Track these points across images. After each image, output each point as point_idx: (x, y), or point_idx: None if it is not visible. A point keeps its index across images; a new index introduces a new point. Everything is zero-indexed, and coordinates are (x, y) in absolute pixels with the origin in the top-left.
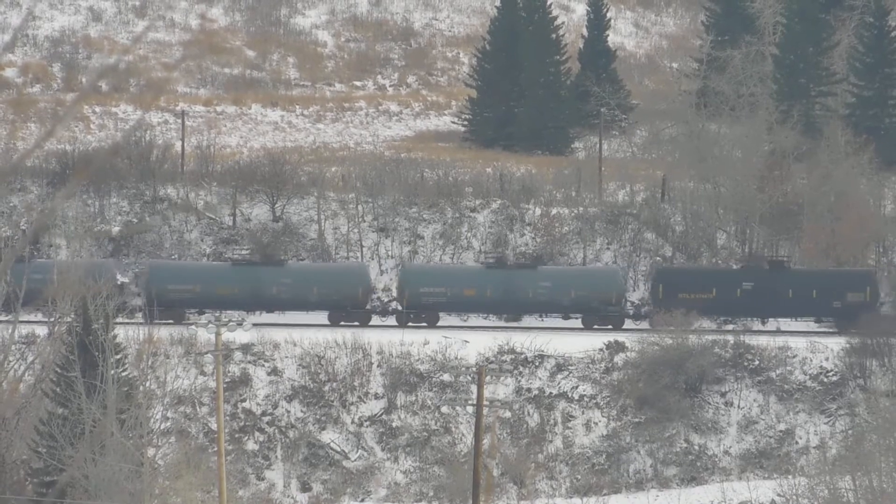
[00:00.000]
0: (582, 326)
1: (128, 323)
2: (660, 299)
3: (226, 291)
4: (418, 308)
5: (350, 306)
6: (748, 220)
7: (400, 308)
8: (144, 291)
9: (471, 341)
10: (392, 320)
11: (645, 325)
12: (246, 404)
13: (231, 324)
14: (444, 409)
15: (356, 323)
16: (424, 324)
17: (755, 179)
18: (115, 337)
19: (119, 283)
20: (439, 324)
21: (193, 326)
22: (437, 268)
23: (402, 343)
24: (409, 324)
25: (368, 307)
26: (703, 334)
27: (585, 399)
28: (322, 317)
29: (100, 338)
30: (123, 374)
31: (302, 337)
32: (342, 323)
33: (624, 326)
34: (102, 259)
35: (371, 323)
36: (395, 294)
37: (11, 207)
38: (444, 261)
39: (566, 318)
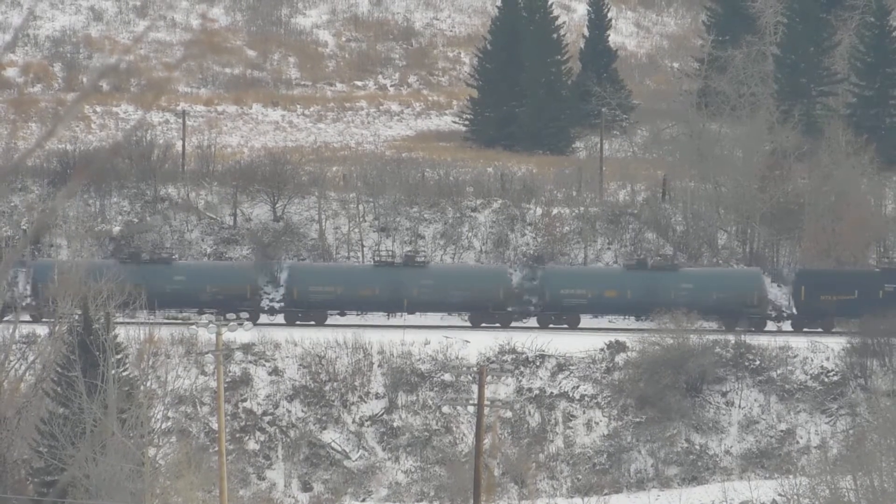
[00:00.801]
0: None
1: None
2: (802, 301)
3: (367, 293)
4: (559, 310)
5: (492, 307)
6: (749, 220)
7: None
8: (286, 293)
9: (471, 341)
10: (533, 321)
11: (787, 326)
12: (247, 404)
13: (231, 324)
14: (445, 408)
15: (497, 325)
16: (565, 325)
17: (756, 179)
18: (115, 336)
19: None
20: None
21: (194, 326)
22: (578, 269)
23: (403, 343)
24: (550, 325)
25: (510, 309)
26: (703, 334)
27: (586, 399)
28: (458, 319)
29: (100, 337)
30: (124, 373)
31: (303, 337)
32: (483, 325)
33: (766, 328)
34: (246, 260)
35: (512, 325)
36: (531, 295)
37: (12, 207)
38: (446, 260)
39: (706, 319)
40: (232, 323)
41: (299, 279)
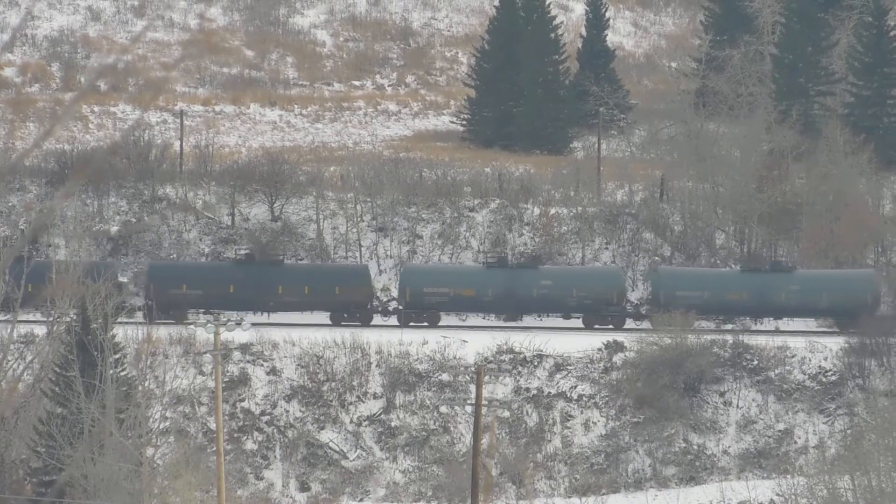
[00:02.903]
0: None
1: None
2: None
3: (735, 297)
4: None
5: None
6: (747, 220)
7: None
8: (652, 296)
9: (469, 341)
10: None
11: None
12: (245, 404)
13: (230, 323)
14: (443, 408)
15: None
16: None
17: (754, 179)
18: (113, 336)
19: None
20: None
21: (192, 326)
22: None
23: (401, 343)
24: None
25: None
26: (701, 334)
27: (584, 399)
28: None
29: (98, 337)
30: (122, 373)
31: (300, 336)
32: (852, 330)
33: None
34: (614, 265)
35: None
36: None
37: (10, 207)
38: (444, 261)
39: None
40: (230, 323)
41: (665, 283)
